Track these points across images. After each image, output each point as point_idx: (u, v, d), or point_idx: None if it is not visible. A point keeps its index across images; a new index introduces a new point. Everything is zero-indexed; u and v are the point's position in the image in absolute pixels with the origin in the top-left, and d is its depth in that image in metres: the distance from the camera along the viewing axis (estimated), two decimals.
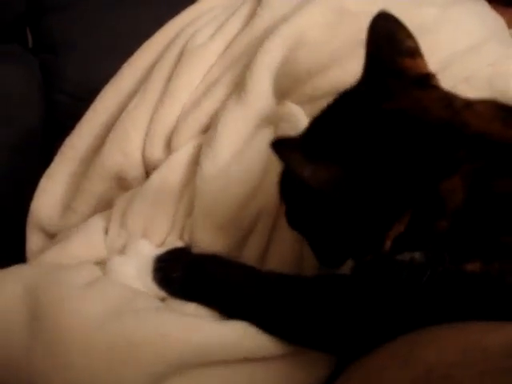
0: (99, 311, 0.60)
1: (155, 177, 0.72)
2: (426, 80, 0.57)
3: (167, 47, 0.84)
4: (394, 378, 0.47)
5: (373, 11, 0.73)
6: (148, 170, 0.79)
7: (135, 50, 0.88)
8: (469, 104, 0.53)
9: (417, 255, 0.51)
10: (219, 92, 0.76)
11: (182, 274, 0.64)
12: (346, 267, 0.58)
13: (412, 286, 0.51)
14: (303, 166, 0.49)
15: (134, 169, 0.78)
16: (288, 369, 0.61)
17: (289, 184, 0.58)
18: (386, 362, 0.50)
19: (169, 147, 0.76)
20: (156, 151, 0.76)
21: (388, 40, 0.58)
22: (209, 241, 0.69)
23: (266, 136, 0.72)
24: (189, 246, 0.70)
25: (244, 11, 0.83)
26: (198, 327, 0.60)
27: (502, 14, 0.82)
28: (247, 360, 0.60)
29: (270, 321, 0.60)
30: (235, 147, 0.70)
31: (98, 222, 0.72)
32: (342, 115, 0.55)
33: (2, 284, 0.65)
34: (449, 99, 0.54)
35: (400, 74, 0.56)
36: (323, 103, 0.73)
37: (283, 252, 0.68)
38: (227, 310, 0.62)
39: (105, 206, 0.78)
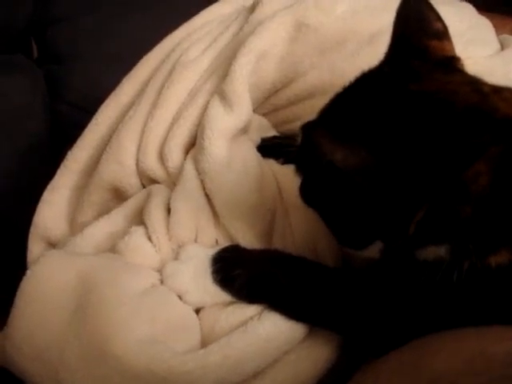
0: (143, 334, 0.59)
1: (182, 188, 0.73)
2: (452, 63, 0.57)
3: (163, 61, 0.86)
4: None
5: (330, 24, 0.78)
6: (143, 180, 0.80)
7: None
8: (497, 89, 0.52)
9: (442, 251, 0.51)
10: (200, 100, 0.78)
11: (242, 271, 0.63)
12: (374, 250, 0.57)
13: (442, 288, 0.51)
14: (334, 150, 0.49)
15: (130, 178, 0.79)
16: (303, 350, 0.62)
17: (309, 161, 0.57)
18: (395, 369, 0.50)
19: (161, 158, 0.78)
20: (149, 161, 0.78)
21: (416, 20, 0.58)
22: (243, 230, 0.70)
23: (246, 140, 0.76)
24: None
25: (235, 27, 0.85)
26: (230, 346, 0.60)
27: (502, 23, 0.84)
28: (275, 360, 0.61)
29: (342, 316, 0.60)
30: (226, 149, 0.72)
31: (142, 233, 0.71)
32: (366, 95, 0.54)
33: (58, 266, 0.65)
34: (476, 84, 0.53)
35: (425, 55, 0.56)
36: (287, 112, 0.82)
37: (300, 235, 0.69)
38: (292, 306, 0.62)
39: None
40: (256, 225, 0.70)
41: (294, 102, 0.81)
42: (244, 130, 0.77)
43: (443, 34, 0.58)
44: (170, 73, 0.82)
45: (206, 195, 0.72)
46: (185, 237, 0.70)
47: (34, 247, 0.81)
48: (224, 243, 0.70)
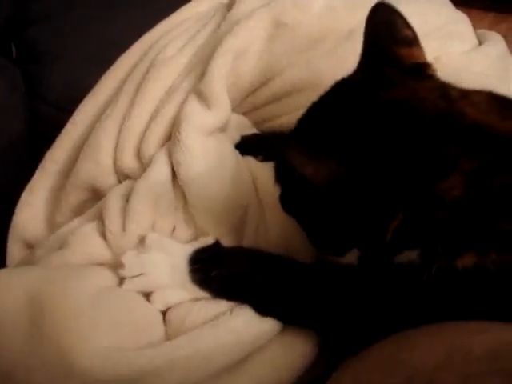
0: (105, 341, 0.58)
1: (145, 181, 0.72)
2: (422, 69, 0.57)
3: (141, 59, 0.86)
4: (379, 383, 0.47)
5: (307, 21, 0.78)
6: (120, 178, 0.79)
7: None
8: (465, 94, 0.53)
9: (414, 255, 0.51)
10: (178, 98, 0.78)
11: (220, 272, 0.63)
12: (352, 256, 0.58)
13: (412, 289, 0.52)
14: (305, 164, 0.49)
15: (107, 177, 0.79)
16: (279, 347, 0.62)
17: (285, 173, 0.57)
18: (374, 366, 0.50)
19: (138, 155, 0.77)
20: (126, 159, 0.77)
21: (386, 29, 0.58)
22: (213, 222, 0.70)
23: (224, 137, 0.76)
24: (218, 240, 0.69)
25: (212, 24, 0.85)
26: (199, 338, 0.60)
27: (479, 18, 0.84)
28: (248, 355, 0.61)
29: (318, 314, 0.60)
30: (201, 141, 0.72)
31: (93, 227, 0.71)
32: (338, 105, 0.55)
33: (5, 286, 0.63)
34: (445, 89, 0.54)
35: (396, 63, 0.56)
36: (266, 111, 0.81)
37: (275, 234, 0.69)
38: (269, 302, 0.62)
39: None
40: (226, 219, 0.70)
41: (273, 100, 0.81)
42: (222, 129, 0.77)
43: (413, 41, 0.58)
44: (148, 71, 0.82)
45: (173, 184, 0.72)
46: (142, 223, 0.69)
47: (13, 248, 0.80)
48: (182, 230, 0.71)
